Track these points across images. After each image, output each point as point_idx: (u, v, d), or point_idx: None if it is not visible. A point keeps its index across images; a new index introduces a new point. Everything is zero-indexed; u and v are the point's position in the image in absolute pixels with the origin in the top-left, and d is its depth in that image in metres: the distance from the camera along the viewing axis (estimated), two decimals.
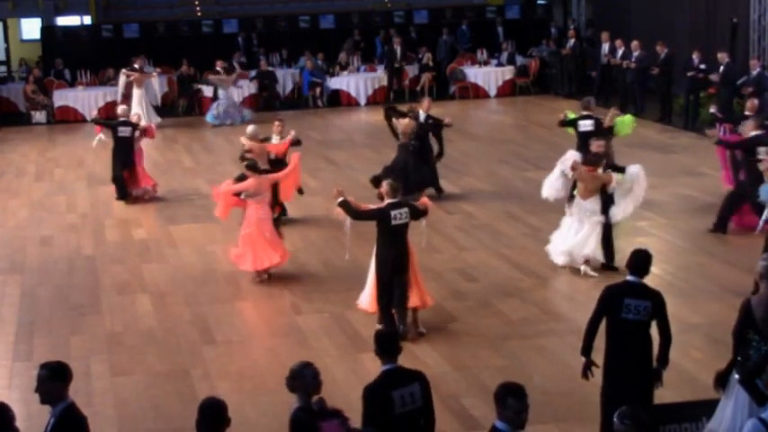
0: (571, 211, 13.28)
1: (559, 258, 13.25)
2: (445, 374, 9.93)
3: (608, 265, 12.97)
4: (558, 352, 10.60)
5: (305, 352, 10.94)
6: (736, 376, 7.83)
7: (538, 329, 11.40)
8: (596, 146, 13.30)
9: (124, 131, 17.71)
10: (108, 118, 21.87)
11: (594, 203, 12.96)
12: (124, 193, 17.82)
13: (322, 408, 6.44)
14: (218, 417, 6.03)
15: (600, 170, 12.93)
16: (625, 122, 15.74)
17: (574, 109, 17.45)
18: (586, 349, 8.20)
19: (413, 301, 11.14)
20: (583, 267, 13.01)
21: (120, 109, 18.55)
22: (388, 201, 10.96)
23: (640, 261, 8.12)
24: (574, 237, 13.09)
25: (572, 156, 13.54)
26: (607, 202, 13.07)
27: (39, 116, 26.83)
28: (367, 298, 11.43)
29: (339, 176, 19.33)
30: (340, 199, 11.17)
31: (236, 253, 13.30)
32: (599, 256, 13.08)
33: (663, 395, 8.30)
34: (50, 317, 12.43)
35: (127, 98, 26.21)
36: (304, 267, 13.85)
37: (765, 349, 7.71)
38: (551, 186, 13.76)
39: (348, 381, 10.13)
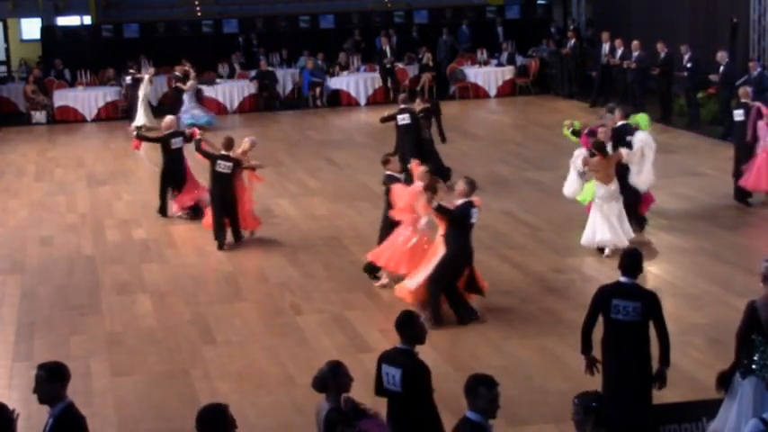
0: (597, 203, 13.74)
1: (622, 242, 13.42)
2: (445, 374, 9.91)
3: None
4: (558, 352, 10.60)
5: (305, 352, 10.96)
6: (740, 377, 7.84)
7: (538, 329, 11.40)
8: (601, 132, 14.17)
9: (177, 143, 16.55)
10: (147, 130, 21.67)
11: (617, 184, 13.63)
12: (165, 210, 16.63)
13: (356, 407, 6.45)
14: (218, 424, 5.74)
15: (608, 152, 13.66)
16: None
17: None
18: (585, 347, 8.25)
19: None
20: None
21: (168, 119, 17.01)
22: (464, 199, 11.33)
23: (631, 260, 8.09)
24: (610, 223, 13.59)
25: (579, 153, 14.04)
26: (625, 176, 13.87)
27: (39, 116, 26.82)
28: (413, 285, 11.60)
29: (339, 176, 19.35)
30: (436, 204, 11.40)
31: (381, 251, 12.85)
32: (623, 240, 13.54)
33: (663, 395, 8.30)
34: (50, 317, 12.42)
35: (126, 98, 26.27)
36: (304, 267, 13.84)
37: None
38: (572, 186, 14.35)
39: None
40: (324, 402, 6.51)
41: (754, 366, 7.75)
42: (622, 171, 13.92)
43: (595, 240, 13.70)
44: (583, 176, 14.02)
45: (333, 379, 6.48)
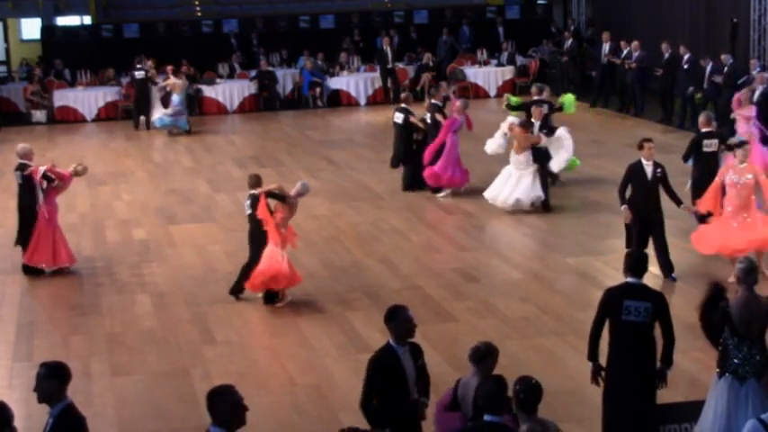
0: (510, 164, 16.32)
1: (508, 204, 16.07)
2: (445, 374, 9.91)
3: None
4: (558, 352, 10.60)
5: (305, 352, 10.96)
6: (716, 376, 7.87)
7: (538, 329, 11.40)
8: (536, 111, 17.26)
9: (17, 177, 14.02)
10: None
11: (527, 157, 16.06)
12: (29, 269, 13.89)
13: None
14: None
15: (531, 133, 16.46)
16: (569, 102, 18.25)
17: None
18: (592, 354, 8.16)
19: None
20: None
21: (21, 148, 14.17)
22: None
23: (637, 261, 8.07)
24: (513, 185, 16.06)
25: (511, 120, 16.96)
26: (544, 156, 16.38)
27: (39, 115, 26.75)
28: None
29: (339, 176, 19.35)
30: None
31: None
32: (529, 199, 16.06)
33: (663, 395, 8.30)
34: (50, 317, 12.42)
35: (129, 97, 26.15)
36: (304, 267, 13.82)
37: (745, 351, 7.75)
38: (494, 143, 17.55)
39: (348, 381, 10.12)
40: (472, 378, 7.01)
41: (737, 369, 7.78)
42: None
43: (498, 200, 16.18)
44: (505, 138, 17.03)
45: (487, 357, 7.12)
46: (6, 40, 32.65)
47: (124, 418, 9.55)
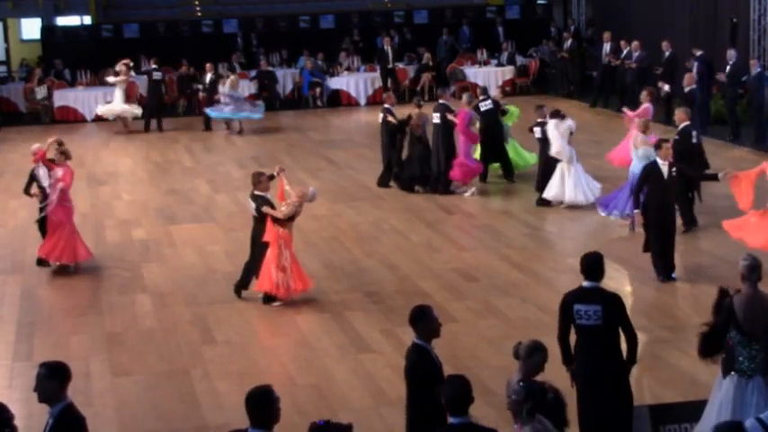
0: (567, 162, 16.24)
1: (580, 197, 16.12)
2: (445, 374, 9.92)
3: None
4: (558, 352, 10.57)
5: (305, 352, 10.96)
6: (721, 376, 7.86)
7: (538, 329, 11.38)
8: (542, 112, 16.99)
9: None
10: None
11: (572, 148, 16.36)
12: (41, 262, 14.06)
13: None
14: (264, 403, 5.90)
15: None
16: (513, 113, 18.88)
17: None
18: (565, 358, 8.21)
19: None
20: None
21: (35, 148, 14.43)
22: None
23: (591, 264, 7.97)
24: (574, 179, 16.14)
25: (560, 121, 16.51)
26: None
27: (42, 91, 26.54)
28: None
29: (339, 176, 19.35)
30: None
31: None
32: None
33: (663, 395, 8.29)
34: (50, 317, 12.42)
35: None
36: (304, 267, 13.80)
37: (750, 349, 7.74)
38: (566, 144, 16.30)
39: (348, 381, 10.14)
40: (514, 376, 7.04)
41: (742, 366, 7.77)
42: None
43: (567, 199, 16.12)
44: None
45: (527, 357, 7.04)
46: (6, 40, 32.65)
47: (124, 419, 9.55)
